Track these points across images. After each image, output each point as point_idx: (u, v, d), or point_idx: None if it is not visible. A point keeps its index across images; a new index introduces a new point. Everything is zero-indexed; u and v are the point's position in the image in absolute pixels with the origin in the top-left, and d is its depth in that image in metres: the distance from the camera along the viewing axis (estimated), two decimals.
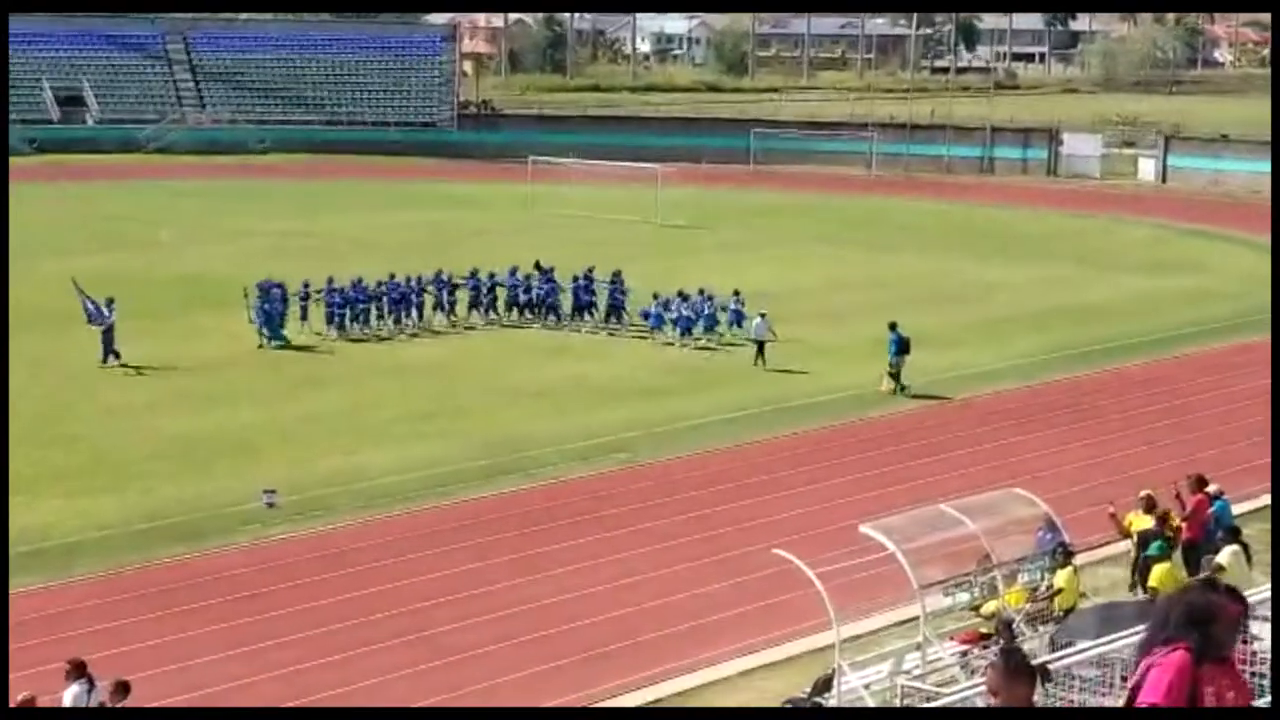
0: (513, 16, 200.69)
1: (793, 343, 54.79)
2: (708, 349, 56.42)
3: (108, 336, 51.68)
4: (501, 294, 60.57)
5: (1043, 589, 28.33)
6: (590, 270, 60.82)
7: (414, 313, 58.58)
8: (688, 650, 30.23)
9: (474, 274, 60.53)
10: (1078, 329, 61.08)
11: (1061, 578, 28.19)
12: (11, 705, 23.47)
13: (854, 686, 26.10)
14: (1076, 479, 39.81)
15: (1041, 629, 27.17)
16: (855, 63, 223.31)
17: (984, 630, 27.51)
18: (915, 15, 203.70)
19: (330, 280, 57.23)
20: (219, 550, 35.37)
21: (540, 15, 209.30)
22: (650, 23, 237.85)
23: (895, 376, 50.39)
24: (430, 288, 59.14)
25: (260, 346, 54.34)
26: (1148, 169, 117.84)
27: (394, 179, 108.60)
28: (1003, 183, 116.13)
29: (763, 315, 53.68)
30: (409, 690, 28.29)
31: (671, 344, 56.95)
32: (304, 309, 56.49)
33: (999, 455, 43.16)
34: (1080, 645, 24.75)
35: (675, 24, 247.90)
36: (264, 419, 46.20)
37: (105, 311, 51.99)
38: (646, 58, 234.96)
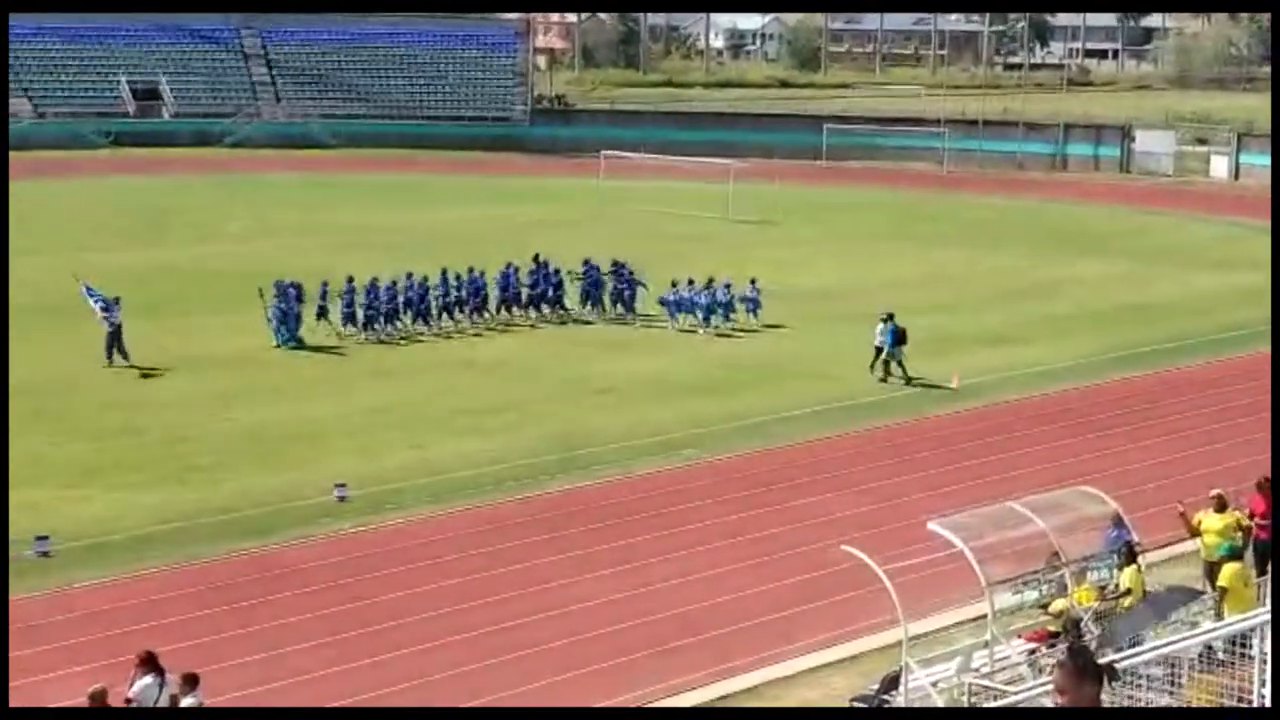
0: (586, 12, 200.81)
1: (860, 339, 54.72)
2: (728, 336, 56.88)
3: (113, 336, 51.12)
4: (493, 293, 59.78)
5: (1111, 588, 28.27)
6: (588, 261, 60.98)
7: (435, 312, 57.70)
8: (754, 647, 30.25)
9: (472, 273, 59.12)
10: (1147, 327, 60.85)
11: (1127, 577, 28.12)
12: (86, 698, 23.67)
13: (921, 684, 26.07)
14: (1145, 478, 39.67)
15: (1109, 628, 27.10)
16: (928, 59, 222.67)
17: (1052, 629, 27.46)
18: (988, 12, 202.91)
19: (350, 280, 56.42)
20: (291, 544, 35.60)
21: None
22: (724, 19, 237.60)
23: (899, 365, 51.08)
24: (437, 289, 57.90)
25: (276, 346, 53.93)
26: (1220, 167, 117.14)
27: (467, 173, 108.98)
28: (1075, 179, 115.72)
29: (884, 319, 51.98)
30: (475, 685, 28.38)
31: (694, 331, 57.84)
32: (322, 309, 55.71)
33: (1066, 453, 43.01)
34: (1147, 642, 24.89)
35: (749, 20, 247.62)
36: (325, 413, 46.48)
37: (111, 310, 51.42)
38: (719, 53, 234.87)
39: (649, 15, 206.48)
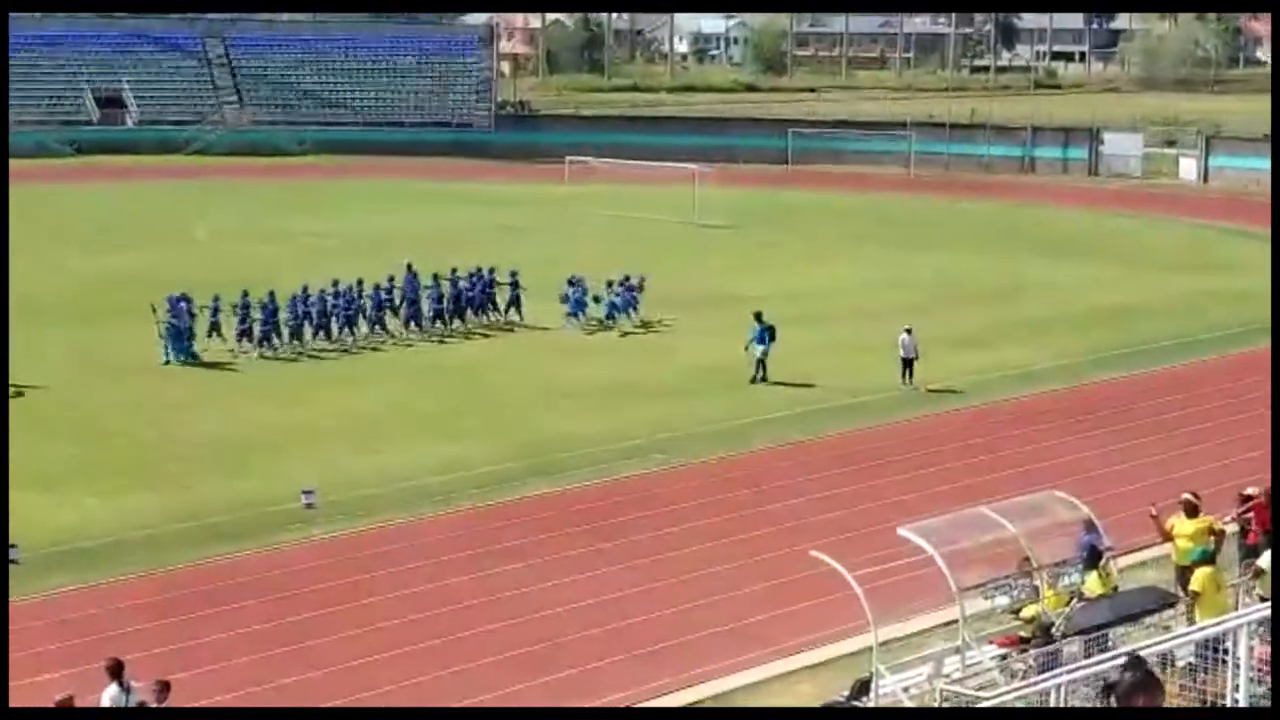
0: (550, 16, 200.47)
1: (829, 343, 54.73)
2: (656, 333, 57.93)
3: None
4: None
5: (1078, 592, 28.11)
6: (453, 271, 59.73)
7: (332, 325, 55.96)
8: (725, 652, 30.11)
9: (358, 285, 57.45)
10: (1118, 329, 60.81)
11: (1091, 581, 27.94)
12: (52, 705, 23.42)
13: (892, 690, 25.93)
14: (1117, 481, 39.53)
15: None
16: (894, 62, 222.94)
17: (1024, 634, 27.32)
18: (954, 14, 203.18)
19: (244, 294, 54.48)
20: (260, 551, 35.40)
21: (577, 15, 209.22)
22: (688, 22, 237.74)
23: (761, 364, 51.04)
24: (332, 300, 56.08)
25: (166, 363, 52.37)
26: (1189, 168, 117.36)
27: (431, 179, 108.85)
28: (1043, 182, 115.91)
29: (909, 331, 51.48)
30: (447, 691, 28.21)
31: (610, 328, 59.23)
32: (214, 324, 54.00)
33: (1039, 457, 42.90)
34: (1111, 641, 24.77)
35: (713, 23, 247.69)
36: (290, 420, 46.37)
37: None
38: (684, 58, 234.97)
39: (613, 20, 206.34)
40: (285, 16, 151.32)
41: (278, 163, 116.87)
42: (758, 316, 51.44)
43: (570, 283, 60.16)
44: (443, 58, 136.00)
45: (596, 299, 59.96)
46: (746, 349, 51.37)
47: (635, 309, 60.01)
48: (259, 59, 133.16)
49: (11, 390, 48.03)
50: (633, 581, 33.65)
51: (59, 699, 23.33)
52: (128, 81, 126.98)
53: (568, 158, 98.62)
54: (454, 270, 59.84)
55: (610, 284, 60.10)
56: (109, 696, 23.74)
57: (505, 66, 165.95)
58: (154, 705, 23.72)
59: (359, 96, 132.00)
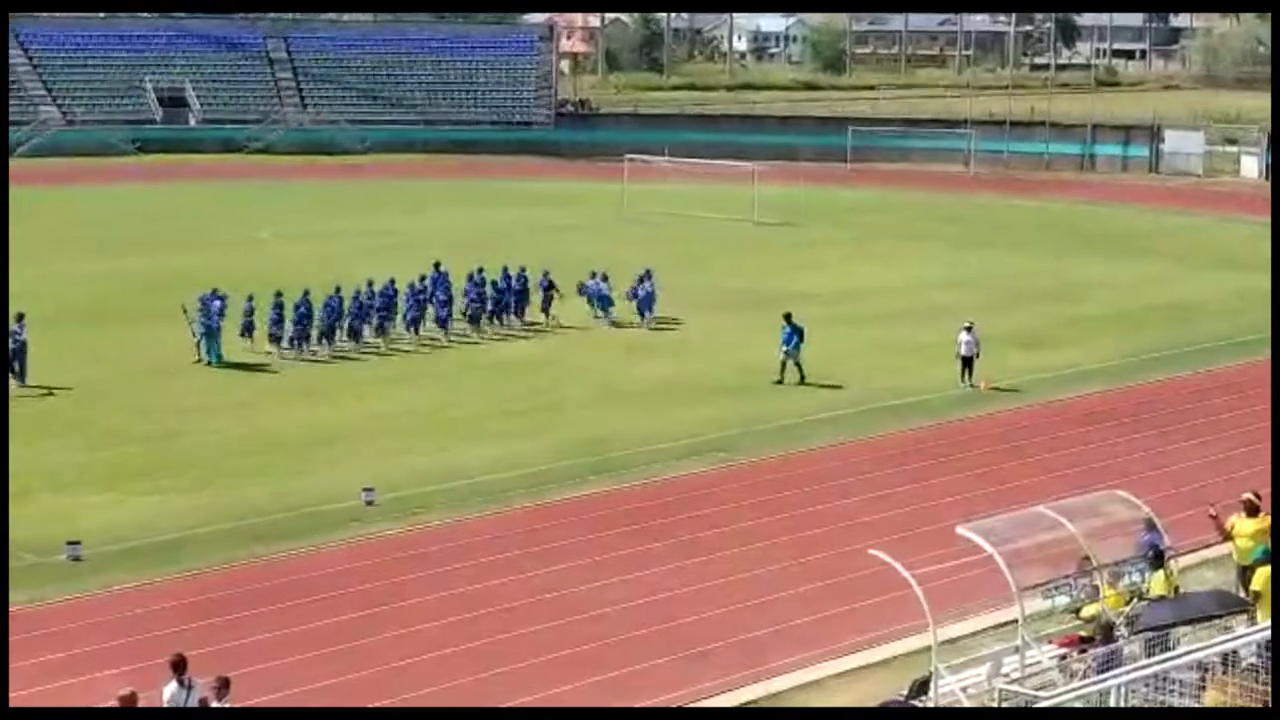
0: (610, 15, 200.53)
1: (886, 341, 54.51)
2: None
3: (20, 356, 48.60)
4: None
5: (1141, 592, 28.02)
6: (480, 270, 58.97)
7: (363, 327, 55.33)
8: (783, 651, 30.05)
9: (370, 285, 56.38)
10: (1178, 328, 60.57)
11: (1156, 581, 27.87)
12: (115, 700, 23.55)
13: (951, 689, 25.89)
14: (1177, 481, 39.37)
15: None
16: (954, 60, 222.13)
17: (1084, 633, 27.24)
18: (1014, 13, 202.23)
19: (278, 295, 53.91)
20: (305, 551, 35.36)
21: (637, 14, 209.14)
22: (747, 21, 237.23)
23: (797, 365, 50.79)
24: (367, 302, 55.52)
25: (196, 361, 51.93)
26: (1250, 166, 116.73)
27: (492, 178, 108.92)
28: (1103, 180, 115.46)
29: (969, 328, 51.03)
30: (501, 689, 28.22)
31: (637, 324, 59.23)
32: (247, 325, 53.57)
33: (1098, 456, 42.74)
34: (1173, 641, 24.70)
35: (772, 22, 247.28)
36: (343, 418, 46.40)
37: (18, 327, 48.88)
38: (743, 56, 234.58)
39: (672, 18, 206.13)
40: (347, 16, 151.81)
41: (339, 162, 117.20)
42: (787, 317, 51.30)
43: (596, 277, 60.38)
44: (503, 57, 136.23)
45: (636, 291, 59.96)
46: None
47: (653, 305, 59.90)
48: (321, 58, 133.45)
49: (42, 391, 48.21)
50: (689, 580, 33.58)
51: (121, 695, 23.45)
52: (190, 80, 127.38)
53: (627, 156, 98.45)
54: (480, 270, 59.07)
55: (640, 279, 59.98)
56: (169, 693, 23.87)
57: (565, 65, 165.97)
58: (214, 702, 23.83)
59: (420, 96, 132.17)
